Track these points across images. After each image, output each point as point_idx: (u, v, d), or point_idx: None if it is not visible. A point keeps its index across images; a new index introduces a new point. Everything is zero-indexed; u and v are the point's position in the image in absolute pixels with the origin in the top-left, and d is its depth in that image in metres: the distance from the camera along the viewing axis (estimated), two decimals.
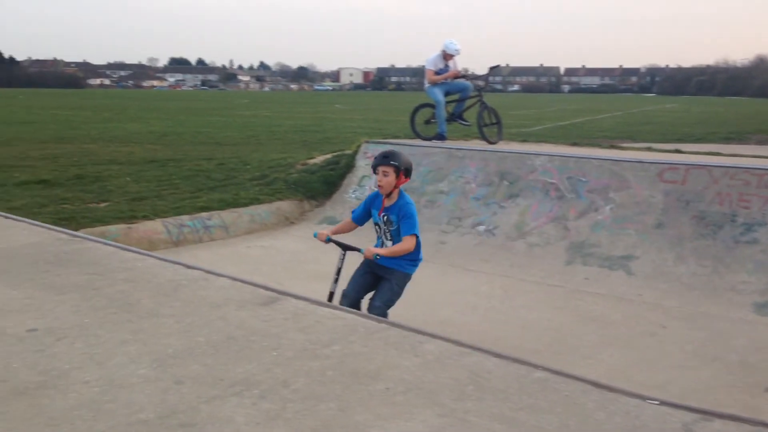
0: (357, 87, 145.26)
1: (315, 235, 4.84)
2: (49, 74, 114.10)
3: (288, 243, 7.80)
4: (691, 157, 8.38)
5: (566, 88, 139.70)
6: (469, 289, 6.15)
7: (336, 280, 4.72)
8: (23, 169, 10.63)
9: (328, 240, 4.76)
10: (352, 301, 4.56)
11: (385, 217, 4.65)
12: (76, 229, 5.57)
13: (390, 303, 4.59)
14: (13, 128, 19.27)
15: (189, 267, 3.50)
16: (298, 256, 7.23)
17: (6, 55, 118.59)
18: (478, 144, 9.66)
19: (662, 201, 6.78)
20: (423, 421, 1.97)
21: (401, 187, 4.68)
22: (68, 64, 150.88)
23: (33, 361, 2.30)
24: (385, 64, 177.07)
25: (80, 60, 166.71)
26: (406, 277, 4.73)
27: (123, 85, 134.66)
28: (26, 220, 4.53)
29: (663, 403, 2.13)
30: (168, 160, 11.98)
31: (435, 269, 6.93)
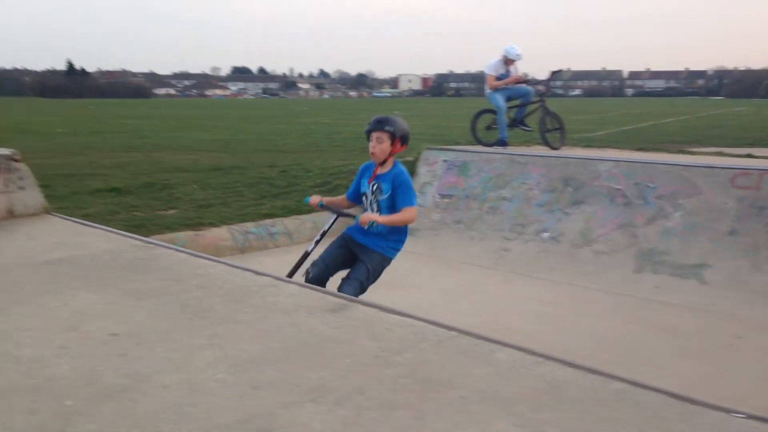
0: (416, 93, 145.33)
1: (307, 201, 4.74)
2: (117, 84, 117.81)
3: None
4: (765, 162, 8.10)
5: (629, 91, 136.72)
6: (535, 297, 6.07)
7: (317, 242, 4.53)
8: (95, 177, 10.99)
9: (321, 205, 4.62)
10: (319, 271, 4.33)
11: (375, 186, 4.36)
12: (146, 236, 5.72)
13: (364, 284, 4.33)
14: (85, 138, 19.96)
15: (258, 274, 3.56)
16: None
17: (77, 67, 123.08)
18: (541, 150, 9.54)
19: (735, 207, 6.56)
20: (500, 430, 1.96)
21: (396, 156, 4.40)
22: (136, 74, 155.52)
23: (117, 364, 2.37)
24: (444, 70, 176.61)
25: (147, 70, 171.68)
26: (386, 261, 4.48)
27: (187, 94, 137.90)
28: (102, 227, 4.68)
29: (750, 416, 2.05)
30: (232, 167, 12.22)
31: (498, 276, 6.87)
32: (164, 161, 13.47)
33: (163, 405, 2.07)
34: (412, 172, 9.43)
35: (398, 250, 4.53)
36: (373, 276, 4.40)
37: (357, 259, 4.42)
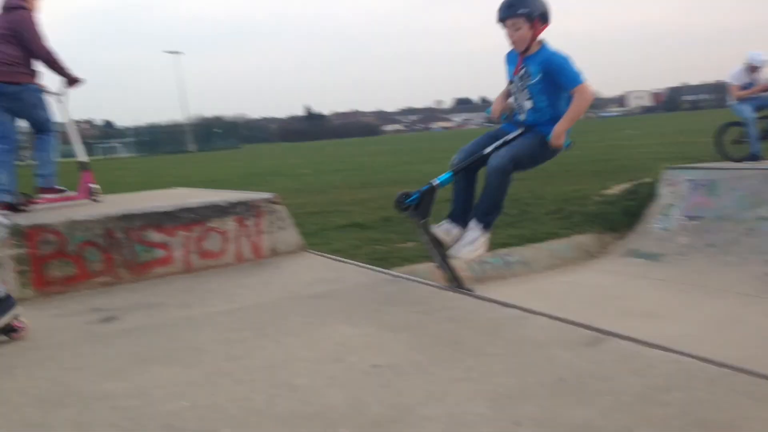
0: (646, 110, 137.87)
1: (488, 112, 4.38)
2: (350, 125, 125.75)
3: (592, 277, 7.59)
4: None
5: None
6: None
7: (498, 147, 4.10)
8: (338, 214, 11.74)
9: (505, 118, 4.23)
10: (461, 159, 4.09)
11: (523, 70, 3.92)
12: (388, 268, 5.99)
13: (516, 157, 3.94)
14: (326, 177, 21.48)
15: (506, 306, 3.56)
16: (604, 291, 6.98)
17: (315, 111, 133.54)
18: None
19: None
20: None
21: (542, 37, 3.90)
22: (366, 113, 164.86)
23: (381, 395, 2.49)
24: (677, 83, 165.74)
25: (376, 109, 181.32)
26: (545, 148, 3.98)
27: (414, 128, 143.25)
28: (354, 262, 4.99)
29: None
30: None
31: (763, 305, 6.22)
32: None
33: None
34: (652, 194, 8.92)
35: (566, 135, 4.05)
36: (529, 157, 4.03)
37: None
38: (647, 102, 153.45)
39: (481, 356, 2.83)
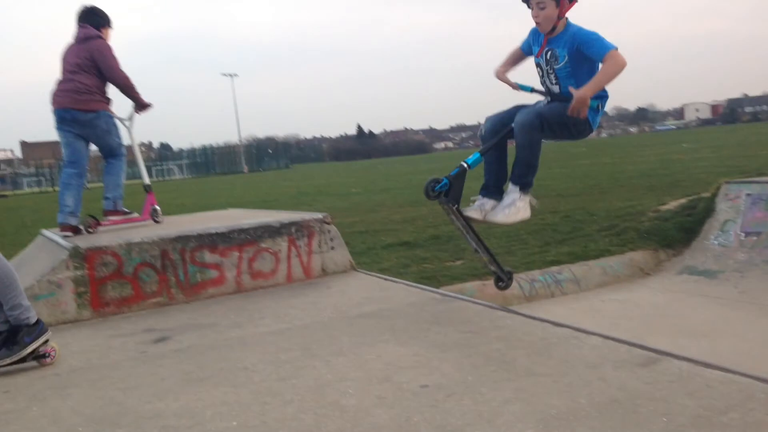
0: (704, 122, 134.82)
1: (529, 90, 4.06)
2: (401, 143, 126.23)
3: (645, 296, 7.40)
4: None
5: None
6: None
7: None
8: (387, 232, 11.75)
9: (530, 90, 3.99)
10: (491, 125, 4.00)
11: (549, 53, 3.78)
12: (436, 287, 5.96)
13: (545, 114, 3.78)
14: (375, 196, 21.57)
15: (557, 325, 3.50)
16: (658, 309, 6.80)
17: (366, 130, 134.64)
18: None
19: None
20: None
21: (568, 17, 3.74)
22: (416, 132, 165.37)
23: (430, 416, 2.47)
24: (737, 94, 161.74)
25: (426, 127, 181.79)
26: (585, 123, 3.83)
27: (464, 145, 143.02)
28: (403, 281, 4.99)
29: None
30: None
31: None
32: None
33: None
34: (710, 209, 8.69)
35: (601, 101, 3.90)
36: (558, 118, 3.81)
37: None
38: (705, 114, 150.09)
39: (532, 376, 2.79)
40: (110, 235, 5.25)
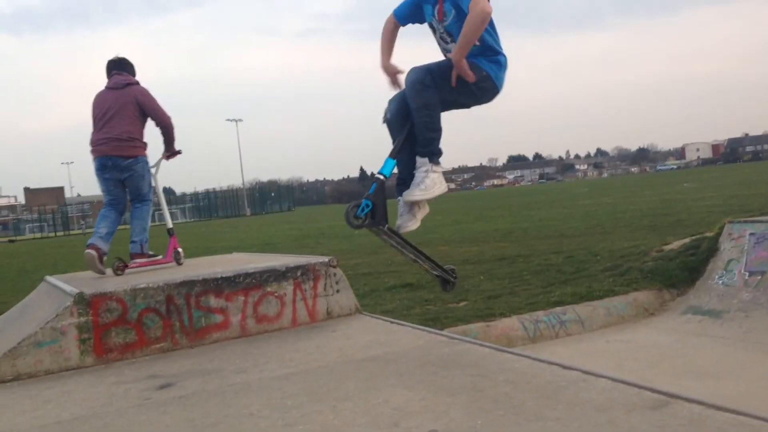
0: (705, 162, 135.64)
1: None
2: None
3: (650, 336, 7.36)
4: None
5: None
6: None
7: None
8: (390, 274, 11.75)
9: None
10: (397, 107, 3.65)
11: (443, 11, 3.57)
12: (440, 328, 5.93)
13: (433, 68, 3.49)
14: (374, 238, 21.61)
15: (565, 368, 3.47)
16: (663, 350, 6.75)
17: (368, 172, 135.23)
18: None
19: None
20: None
21: None
22: None
23: None
24: (738, 134, 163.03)
25: None
26: (473, 67, 3.50)
27: (467, 187, 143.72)
28: (408, 324, 4.96)
29: None
30: (517, 256, 12.30)
31: None
32: (451, 254, 13.99)
33: None
34: (714, 248, 8.68)
35: (498, 63, 3.61)
36: (447, 76, 3.50)
37: None
38: (706, 154, 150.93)
39: (542, 420, 2.76)
40: (115, 281, 5.25)
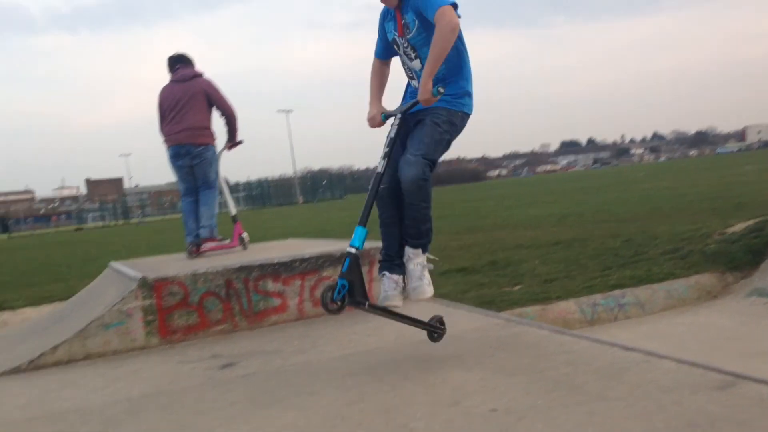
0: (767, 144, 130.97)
1: (385, 118, 3.51)
2: (454, 171, 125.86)
3: (713, 318, 7.17)
4: None
5: None
6: None
7: (386, 155, 3.34)
8: (444, 259, 11.68)
9: (385, 118, 3.49)
10: (389, 179, 3.36)
11: (402, 23, 3.34)
12: (496, 312, 5.89)
13: (428, 151, 3.27)
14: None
15: (627, 349, 3.43)
16: (726, 332, 6.58)
17: None
18: None
19: None
20: None
21: None
22: (470, 161, 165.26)
23: None
24: None
25: (479, 155, 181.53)
26: (455, 116, 3.35)
27: (518, 173, 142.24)
28: (465, 306, 4.96)
29: None
30: (572, 240, 12.11)
31: None
32: (505, 239, 13.87)
33: None
34: None
35: (464, 97, 3.39)
36: (440, 141, 3.33)
37: (418, 123, 3.37)
38: None
39: (604, 401, 2.73)
40: (177, 266, 5.38)
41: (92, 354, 4.50)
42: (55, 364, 4.38)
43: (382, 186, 3.36)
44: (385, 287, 3.45)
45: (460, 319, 4.55)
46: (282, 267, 5.12)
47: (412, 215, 3.42)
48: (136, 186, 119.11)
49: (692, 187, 24.97)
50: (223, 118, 6.64)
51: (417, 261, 3.48)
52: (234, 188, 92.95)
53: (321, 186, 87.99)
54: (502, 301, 7.78)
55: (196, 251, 6.36)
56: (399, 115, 3.36)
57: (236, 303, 4.96)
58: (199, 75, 6.60)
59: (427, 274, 3.48)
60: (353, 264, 3.22)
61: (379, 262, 3.53)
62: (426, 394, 3.07)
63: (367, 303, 3.28)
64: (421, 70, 3.34)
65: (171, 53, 6.75)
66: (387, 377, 3.37)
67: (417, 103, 3.27)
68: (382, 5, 3.49)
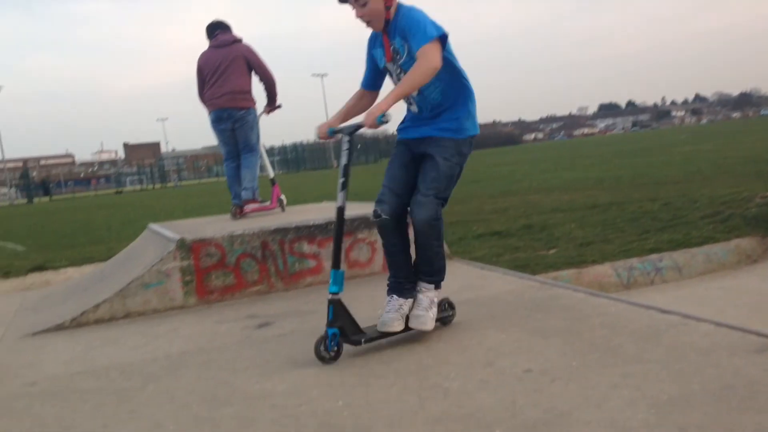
0: None
1: (331, 133, 3.35)
2: (489, 135, 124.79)
3: (752, 283, 7.05)
4: None
5: None
6: None
7: (344, 185, 3.23)
8: (478, 222, 11.66)
9: (331, 133, 3.34)
10: (393, 208, 3.27)
11: (392, 49, 3.24)
12: (531, 275, 5.86)
13: (439, 189, 3.21)
14: (466, 187, 21.43)
15: (664, 312, 3.39)
16: (766, 296, 6.48)
17: None
18: None
19: None
20: None
21: (398, 3, 3.19)
22: (505, 124, 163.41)
23: (534, 399, 2.45)
24: None
25: (515, 119, 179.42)
26: (463, 145, 3.31)
27: (554, 137, 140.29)
28: (499, 269, 4.94)
29: None
30: (610, 204, 11.96)
31: None
32: (540, 203, 13.76)
33: None
34: None
35: (470, 122, 3.33)
36: (449, 171, 3.27)
37: (424, 157, 3.31)
38: None
39: (640, 363, 2.72)
40: (213, 228, 5.45)
41: (132, 313, 4.60)
42: (97, 322, 4.50)
43: (384, 218, 3.32)
44: (386, 310, 3.36)
45: (495, 281, 4.55)
46: (317, 229, 5.15)
47: (426, 254, 3.37)
48: (173, 150, 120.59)
49: (735, 150, 24.39)
50: (263, 83, 6.71)
51: (428, 294, 3.42)
52: (269, 152, 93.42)
53: (355, 150, 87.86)
54: (537, 265, 7.74)
55: (239, 212, 6.52)
56: (347, 138, 3.27)
57: (272, 264, 5.02)
58: (238, 40, 6.66)
59: (434, 309, 3.39)
60: (338, 310, 3.20)
61: (388, 285, 3.46)
62: (460, 354, 3.08)
63: (363, 339, 3.22)
64: (417, 95, 3.33)
65: (209, 20, 6.83)
66: (421, 337, 3.39)
67: (361, 126, 3.18)
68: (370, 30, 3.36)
